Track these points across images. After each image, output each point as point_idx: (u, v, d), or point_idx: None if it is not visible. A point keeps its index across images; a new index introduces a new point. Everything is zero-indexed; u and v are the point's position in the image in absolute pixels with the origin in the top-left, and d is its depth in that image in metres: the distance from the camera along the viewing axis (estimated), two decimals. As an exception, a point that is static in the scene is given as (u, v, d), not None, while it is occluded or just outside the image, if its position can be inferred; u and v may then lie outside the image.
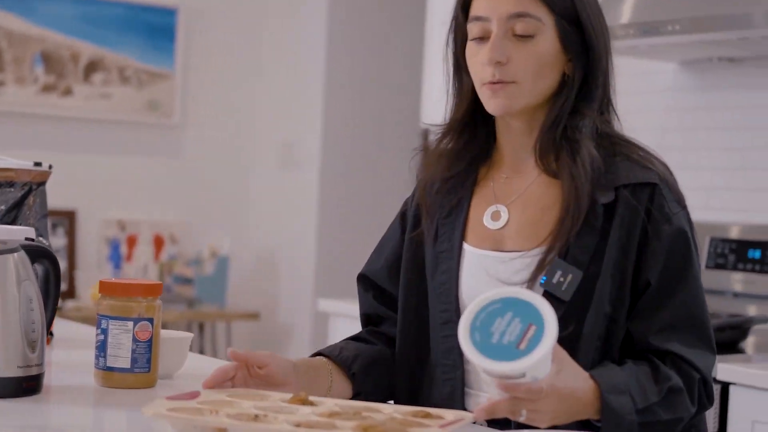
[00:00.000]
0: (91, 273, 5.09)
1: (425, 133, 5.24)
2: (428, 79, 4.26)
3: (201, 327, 5.27)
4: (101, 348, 1.85)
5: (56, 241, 5.04)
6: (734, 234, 3.48)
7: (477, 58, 1.84)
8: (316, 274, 5.25)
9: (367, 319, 2.06)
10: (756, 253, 3.41)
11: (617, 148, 1.85)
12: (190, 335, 2.06)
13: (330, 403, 1.62)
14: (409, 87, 5.45)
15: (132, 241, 5.21)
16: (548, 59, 1.82)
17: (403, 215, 2.04)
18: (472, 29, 1.85)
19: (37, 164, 2.29)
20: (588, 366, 1.75)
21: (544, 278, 1.79)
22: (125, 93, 5.32)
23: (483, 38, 1.84)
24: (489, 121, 1.93)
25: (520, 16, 1.80)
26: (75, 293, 4.99)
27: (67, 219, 5.15)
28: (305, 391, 1.65)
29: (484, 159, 1.95)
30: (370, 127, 5.41)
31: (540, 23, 1.81)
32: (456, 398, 1.87)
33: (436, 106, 4.17)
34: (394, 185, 5.44)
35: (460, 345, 1.51)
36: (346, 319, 4.02)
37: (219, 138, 5.55)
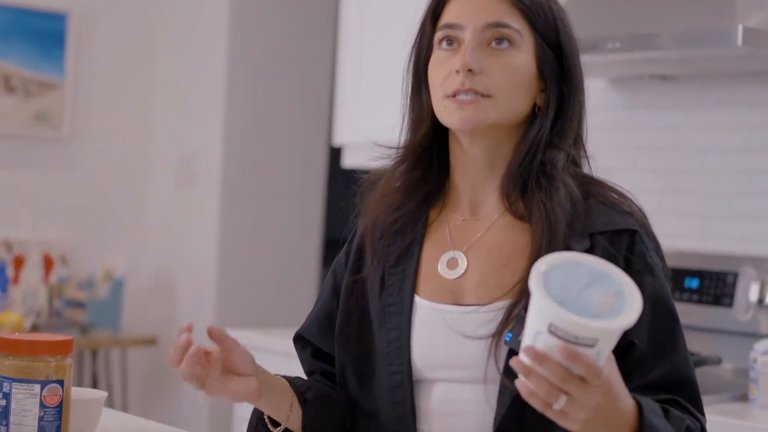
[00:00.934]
0: (-26, 298, 4.77)
1: (335, 152, 5.05)
2: (341, 95, 4.04)
3: (94, 354, 4.98)
4: (3, 415, 1.63)
5: (-64, 262, 4.72)
6: (669, 262, 3.33)
7: (443, 67, 1.68)
8: (216, 296, 5.00)
9: (311, 377, 1.86)
10: (693, 282, 3.27)
11: (590, 189, 1.69)
12: (103, 395, 1.82)
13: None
14: (319, 100, 5.28)
15: (19, 263, 4.90)
16: (524, 78, 1.67)
17: (337, 263, 1.84)
18: (441, 37, 1.70)
19: None
20: None
21: (510, 335, 1.59)
22: (11, 104, 5.01)
23: (452, 47, 1.68)
24: (444, 154, 1.75)
25: (498, 26, 1.66)
26: (-44, 321, 4.66)
27: (-52, 238, 4.84)
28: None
29: (436, 198, 1.77)
30: (275, 142, 5.19)
31: (519, 35, 1.67)
32: None
33: (348, 123, 3.98)
34: (301, 204, 5.26)
35: (530, 287, 1.34)
36: (257, 353, 3.78)
37: (112, 152, 5.27)
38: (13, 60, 5.02)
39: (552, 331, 1.32)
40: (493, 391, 1.63)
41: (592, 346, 1.32)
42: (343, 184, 5.73)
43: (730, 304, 3.19)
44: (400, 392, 1.68)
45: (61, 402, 1.63)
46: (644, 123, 3.54)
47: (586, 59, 3.09)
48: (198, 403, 4.98)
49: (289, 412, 1.69)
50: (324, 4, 5.27)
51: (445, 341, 1.66)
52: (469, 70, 1.64)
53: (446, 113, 1.67)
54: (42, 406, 1.61)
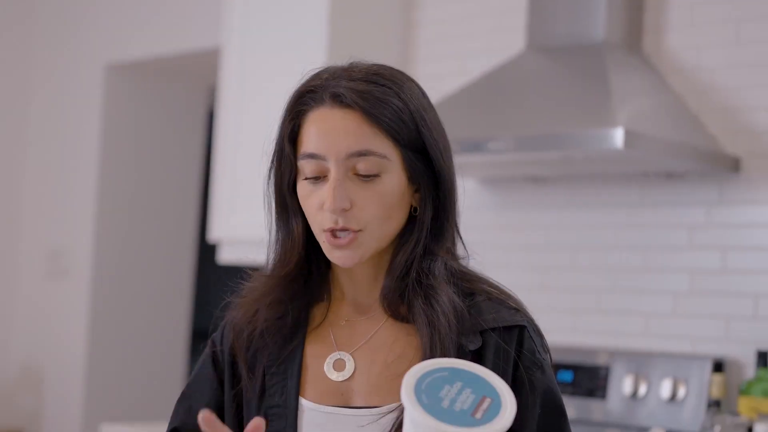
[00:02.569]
0: None
1: (205, 246, 4.95)
2: (217, 190, 4.01)
3: (-44, 451, 4.83)
4: None
5: None
6: (543, 355, 3.40)
7: (313, 199, 1.59)
8: (85, 389, 4.88)
9: None
10: (567, 376, 3.34)
11: (474, 286, 1.64)
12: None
13: None
14: (191, 195, 5.23)
15: None
16: (395, 199, 1.60)
17: (214, 356, 1.71)
18: (305, 167, 1.59)
19: None
20: None
21: None
22: None
23: (319, 178, 1.59)
24: (324, 263, 1.67)
25: (361, 155, 1.56)
26: None
27: None
28: None
29: (318, 298, 1.69)
30: (147, 235, 5.12)
31: (385, 160, 1.58)
32: None
33: (222, 220, 3.90)
34: (170, 296, 5.17)
35: (402, 398, 1.30)
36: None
37: (-22, 244, 5.14)
38: None
39: None
40: None
41: None
42: (212, 277, 5.67)
43: (604, 396, 3.27)
44: None
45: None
46: (514, 222, 3.61)
47: (463, 159, 3.17)
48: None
49: None
50: (198, 96, 5.25)
51: None
52: (342, 210, 1.57)
53: (326, 249, 1.60)
54: None
